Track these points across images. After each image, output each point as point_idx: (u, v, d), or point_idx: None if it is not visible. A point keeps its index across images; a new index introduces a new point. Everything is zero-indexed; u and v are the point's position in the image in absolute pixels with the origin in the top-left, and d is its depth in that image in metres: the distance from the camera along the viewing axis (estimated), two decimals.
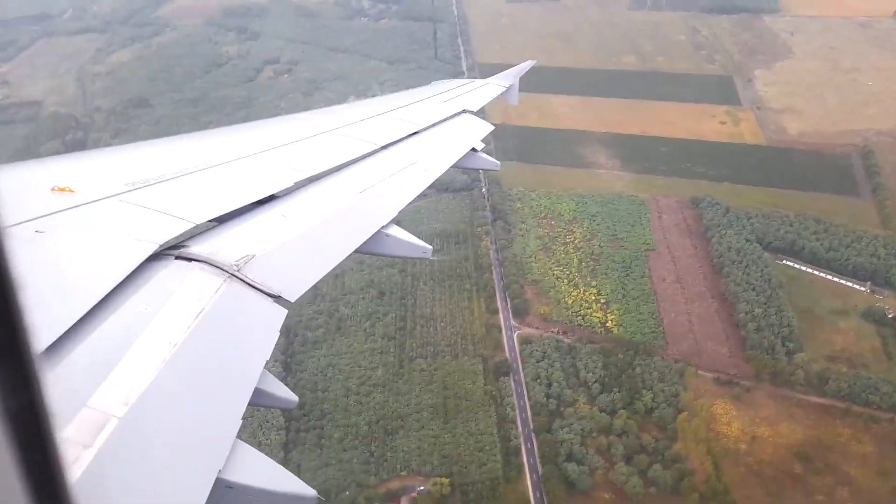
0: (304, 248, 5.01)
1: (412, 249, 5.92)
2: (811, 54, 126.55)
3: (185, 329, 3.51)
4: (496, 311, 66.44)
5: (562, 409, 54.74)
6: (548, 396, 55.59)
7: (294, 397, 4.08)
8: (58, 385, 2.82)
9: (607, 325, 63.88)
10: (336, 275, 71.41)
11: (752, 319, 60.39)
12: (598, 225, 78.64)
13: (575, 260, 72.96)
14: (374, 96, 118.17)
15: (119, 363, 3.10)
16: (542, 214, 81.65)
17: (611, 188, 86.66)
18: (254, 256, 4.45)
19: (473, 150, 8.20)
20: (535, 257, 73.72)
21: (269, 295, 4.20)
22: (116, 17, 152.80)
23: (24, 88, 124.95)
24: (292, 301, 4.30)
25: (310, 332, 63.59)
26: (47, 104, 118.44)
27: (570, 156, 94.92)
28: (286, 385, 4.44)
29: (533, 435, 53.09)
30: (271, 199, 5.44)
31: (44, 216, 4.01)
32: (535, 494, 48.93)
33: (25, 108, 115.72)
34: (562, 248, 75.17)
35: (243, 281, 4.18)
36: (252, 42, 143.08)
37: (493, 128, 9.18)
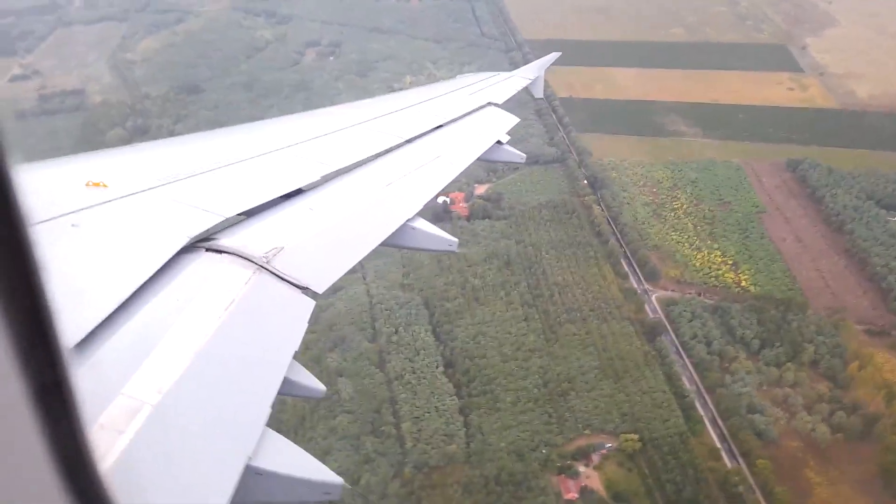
0: (331, 240, 5.14)
1: (439, 242, 5.96)
2: (855, 21, 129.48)
3: (216, 319, 3.63)
4: (626, 277, 67.46)
5: (726, 365, 56.03)
6: (709, 353, 56.82)
7: (322, 387, 4.15)
8: (93, 374, 2.97)
9: (742, 284, 65.34)
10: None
11: (890, 272, 62.25)
12: (700, 190, 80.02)
13: (689, 224, 74.26)
14: (429, 75, 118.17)
15: (152, 352, 3.22)
16: (641, 183, 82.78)
17: (701, 155, 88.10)
18: (282, 249, 4.55)
19: (499, 142, 8.33)
20: (649, 223, 74.87)
21: (297, 286, 4.30)
22: (132, 4, 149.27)
23: (57, 78, 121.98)
24: (320, 293, 4.38)
25: (447, 302, 63.98)
26: (89, 93, 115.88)
27: (649, 125, 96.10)
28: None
29: (704, 390, 54.30)
30: (298, 192, 5.60)
31: (79, 210, 4.16)
32: (723, 445, 50.20)
33: (69, 97, 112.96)
34: (672, 214, 76.40)
35: (272, 273, 4.29)
36: (284, 26, 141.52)
37: (518, 120, 9.28)
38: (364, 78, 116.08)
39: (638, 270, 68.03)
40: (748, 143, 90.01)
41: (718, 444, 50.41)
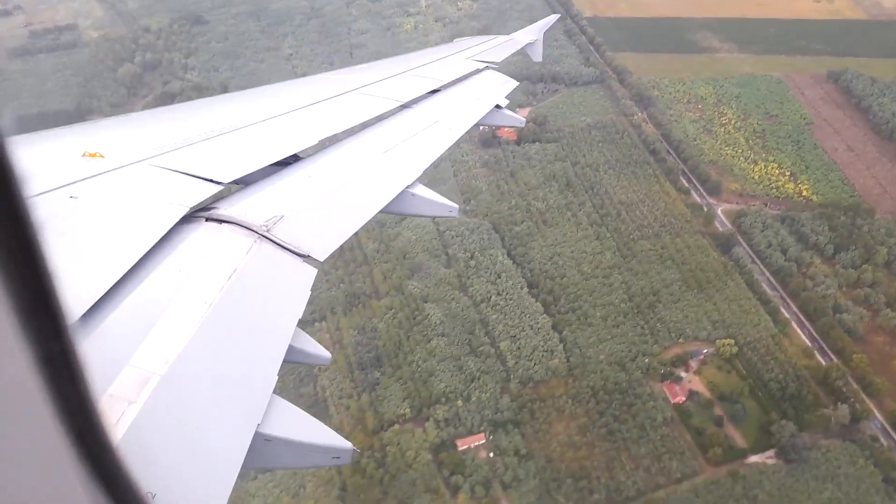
0: (330, 208, 5.16)
1: (438, 208, 6.00)
2: None
3: (220, 289, 3.66)
4: (687, 192, 68.21)
5: (804, 270, 57.83)
6: (786, 261, 58.46)
7: (327, 353, 4.22)
8: (101, 344, 3.01)
9: (803, 194, 66.70)
10: (510, 172, 71.46)
11: None
12: (745, 105, 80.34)
13: (741, 139, 74.88)
14: None
15: (158, 322, 3.26)
16: (685, 100, 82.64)
17: (739, 70, 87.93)
18: (282, 217, 4.57)
19: (498, 106, 8.24)
20: (701, 139, 75.26)
21: (298, 255, 4.32)
22: None
23: (43, 13, 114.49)
24: (321, 261, 4.40)
25: (515, 226, 64.12)
26: (83, 28, 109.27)
27: (682, 43, 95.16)
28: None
29: (787, 295, 56.15)
30: (296, 159, 5.63)
31: (77, 182, 4.17)
32: (813, 345, 52.40)
33: (64, 33, 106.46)
34: (722, 130, 76.80)
35: (273, 241, 4.31)
36: None
37: (517, 84, 9.35)
38: (377, 2, 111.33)
39: (699, 186, 68.72)
40: (784, 57, 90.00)
41: (809, 344, 52.56)
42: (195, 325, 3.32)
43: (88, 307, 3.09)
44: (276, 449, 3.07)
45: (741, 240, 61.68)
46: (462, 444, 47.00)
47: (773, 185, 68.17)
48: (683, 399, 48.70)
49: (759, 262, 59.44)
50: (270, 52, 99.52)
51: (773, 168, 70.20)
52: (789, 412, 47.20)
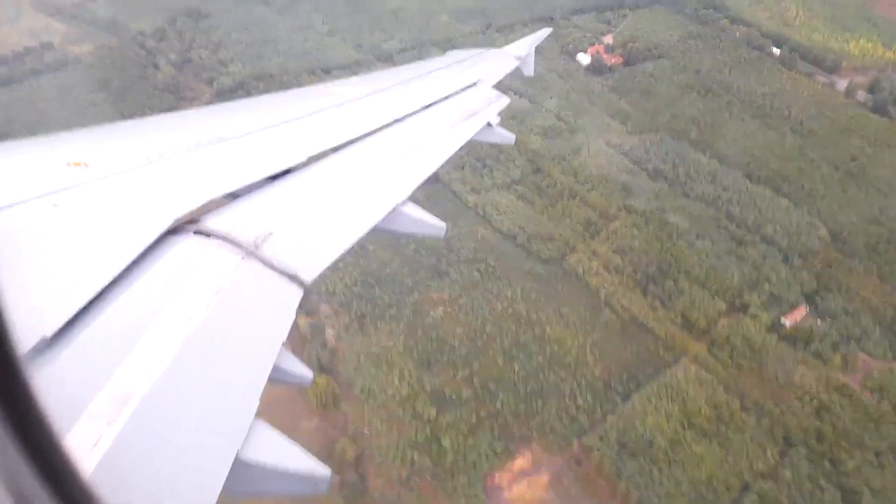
0: (322, 225, 5.11)
1: (429, 227, 5.98)
2: None
3: (205, 306, 3.63)
4: (811, 75, 74.32)
5: None
6: None
7: (310, 374, 4.17)
8: (81, 360, 2.98)
9: None
10: (642, 92, 74.08)
11: None
12: None
13: (819, 25, 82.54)
14: None
15: (141, 339, 3.23)
16: (747, 3, 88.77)
17: None
18: (271, 234, 4.52)
19: (489, 124, 8.21)
20: (787, 31, 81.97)
21: (285, 274, 4.27)
22: None
23: (10, 39, 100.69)
24: (308, 282, 4.37)
25: (689, 133, 67.05)
26: (65, 47, 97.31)
27: None
28: None
29: None
30: (286, 173, 5.56)
31: (60, 190, 4.11)
32: None
33: (44, 53, 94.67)
34: (797, 21, 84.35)
35: (261, 259, 4.26)
36: None
37: (509, 101, 9.53)
38: None
39: (817, 68, 75.34)
40: None
41: None
42: (179, 343, 3.30)
43: (68, 319, 3.09)
44: (256, 475, 3.06)
45: None
46: (789, 320, 49.76)
47: (873, 55, 76.08)
48: None
49: None
50: (307, 31, 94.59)
51: (864, 42, 78.28)
52: None
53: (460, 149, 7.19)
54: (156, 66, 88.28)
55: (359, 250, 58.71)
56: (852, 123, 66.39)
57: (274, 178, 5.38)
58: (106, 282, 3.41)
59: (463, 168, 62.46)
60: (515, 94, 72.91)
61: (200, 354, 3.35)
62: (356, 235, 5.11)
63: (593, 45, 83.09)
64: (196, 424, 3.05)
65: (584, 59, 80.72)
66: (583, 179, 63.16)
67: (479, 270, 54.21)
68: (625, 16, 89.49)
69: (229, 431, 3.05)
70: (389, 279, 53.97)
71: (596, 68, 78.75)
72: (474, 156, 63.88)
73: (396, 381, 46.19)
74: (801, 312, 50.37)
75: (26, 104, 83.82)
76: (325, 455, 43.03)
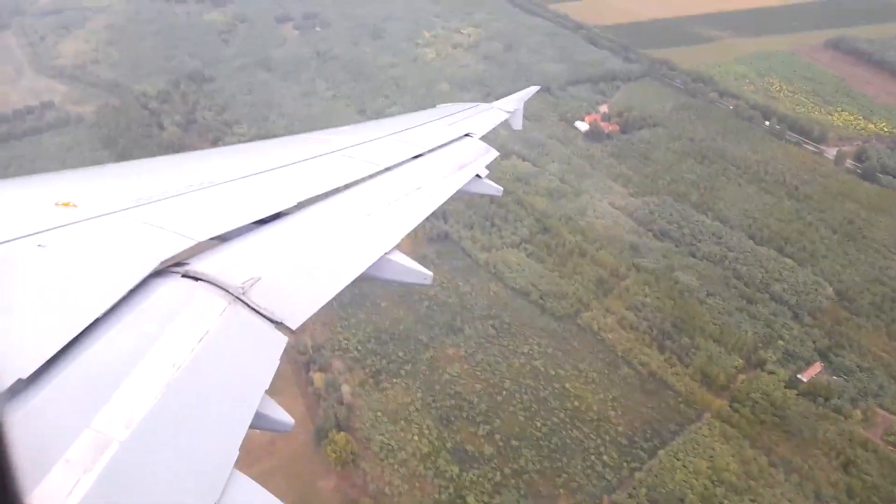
0: (308, 272, 5.03)
1: (414, 275, 5.88)
2: None
3: (189, 352, 3.61)
4: (799, 144, 78.00)
5: None
6: None
7: (291, 420, 4.11)
8: (61, 402, 2.96)
9: (885, 129, 79.57)
10: (640, 156, 76.85)
11: None
12: (781, 73, 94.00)
13: (802, 98, 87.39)
14: (443, 27, 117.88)
15: (123, 383, 3.19)
16: (732, 77, 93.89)
17: (749, 50, 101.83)
18: (259, 279, 4.48)
19: (478, 175, 8.42)
20: (774, 103, 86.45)
21: (271, 321, 4.25)
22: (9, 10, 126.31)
23: (10, 98, 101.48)
24: (293, 329, 4.31)
25: (690, 196, 69.22)
26: (67, 106, 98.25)
27: (686, 36, 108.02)
28: None
29: None
30: (275, 218, 5.56)
31: (46, 230, 4.14)
32: None
33: (45, 112, 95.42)
34: (780, 94, 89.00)
35: (248, 304, 4.25)
36: (226, 7, 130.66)
37: (497, 154, 9.54)
38: (380, 39, 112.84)
39: (804, 139, 79.18)
40: (778, 36, 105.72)
41: None
42: (161, 389, 3.28)
43: (49, 358, 3.09)
44: None
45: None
46: (805, 376, 50.19)
47: (856, 127, 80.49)
48: None
49: None
50: (311, 96, 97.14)
51: (846, 115, 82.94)
52: None
53: (449, 199, 7.36)
54: (160, 126, 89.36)
55: (371, 307, 59.03)
56: (845, 189, 69.44)
57: (263, 221, 5.41)
58: (87, 323, 3.34)
59: (472, 227, 63.32)
60: (519, 157, 75.51)
61: (182, 402, 3.27)
62: (343, 282, 5.05)
63: (590, 113, 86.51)
64: (174, 475, 2.96)
65: (582, 126, 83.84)
66: (591, 239, 64.31)
67: (494, 326, 54.15)
68: (618, 87, 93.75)
69: (206, 483, 2.97)
70: (404, 335, 53.60)
71: (594, 135, 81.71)
72: (481, 214, 65.00)
73: (416, 438, 45.10)
74: (817, 369, 50.91)
75: (27, 161, 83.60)
76: None
